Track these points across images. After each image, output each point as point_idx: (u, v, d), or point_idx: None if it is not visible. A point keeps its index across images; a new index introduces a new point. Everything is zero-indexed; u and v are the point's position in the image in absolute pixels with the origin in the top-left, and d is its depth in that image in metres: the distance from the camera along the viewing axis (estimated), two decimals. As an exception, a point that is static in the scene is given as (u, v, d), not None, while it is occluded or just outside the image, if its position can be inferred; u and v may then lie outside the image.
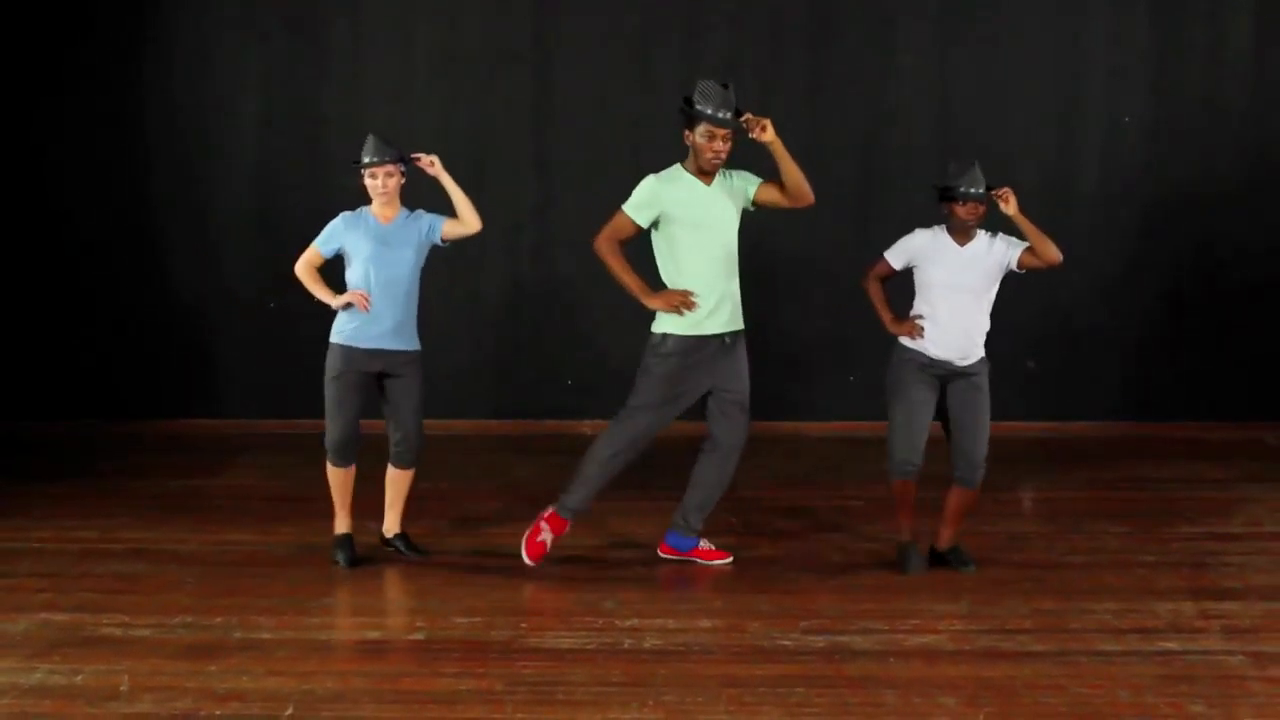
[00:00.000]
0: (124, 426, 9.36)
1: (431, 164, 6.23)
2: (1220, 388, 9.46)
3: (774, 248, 8.69)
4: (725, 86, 5.86)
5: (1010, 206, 5.90)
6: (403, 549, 6.41)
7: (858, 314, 8.83)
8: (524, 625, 5.51)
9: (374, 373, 6.15)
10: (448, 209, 6.22)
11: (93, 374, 9.52)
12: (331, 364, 6.14)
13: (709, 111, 5.83)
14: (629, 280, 5.97)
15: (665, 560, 6.33)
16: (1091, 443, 9.07)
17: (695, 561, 6.28)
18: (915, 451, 6.05)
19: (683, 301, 5.92)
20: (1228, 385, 9.46)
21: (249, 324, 9.31)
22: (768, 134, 5.86)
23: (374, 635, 5.43)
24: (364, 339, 6.09)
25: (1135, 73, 9.34)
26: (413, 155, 6.22)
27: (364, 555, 6.33)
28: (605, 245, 5.99)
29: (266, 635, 5.40)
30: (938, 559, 6.24)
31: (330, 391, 6.14)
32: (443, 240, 6.24)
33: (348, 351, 6.10)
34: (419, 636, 5.41)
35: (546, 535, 6.18)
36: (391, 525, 6.46)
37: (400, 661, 5.15)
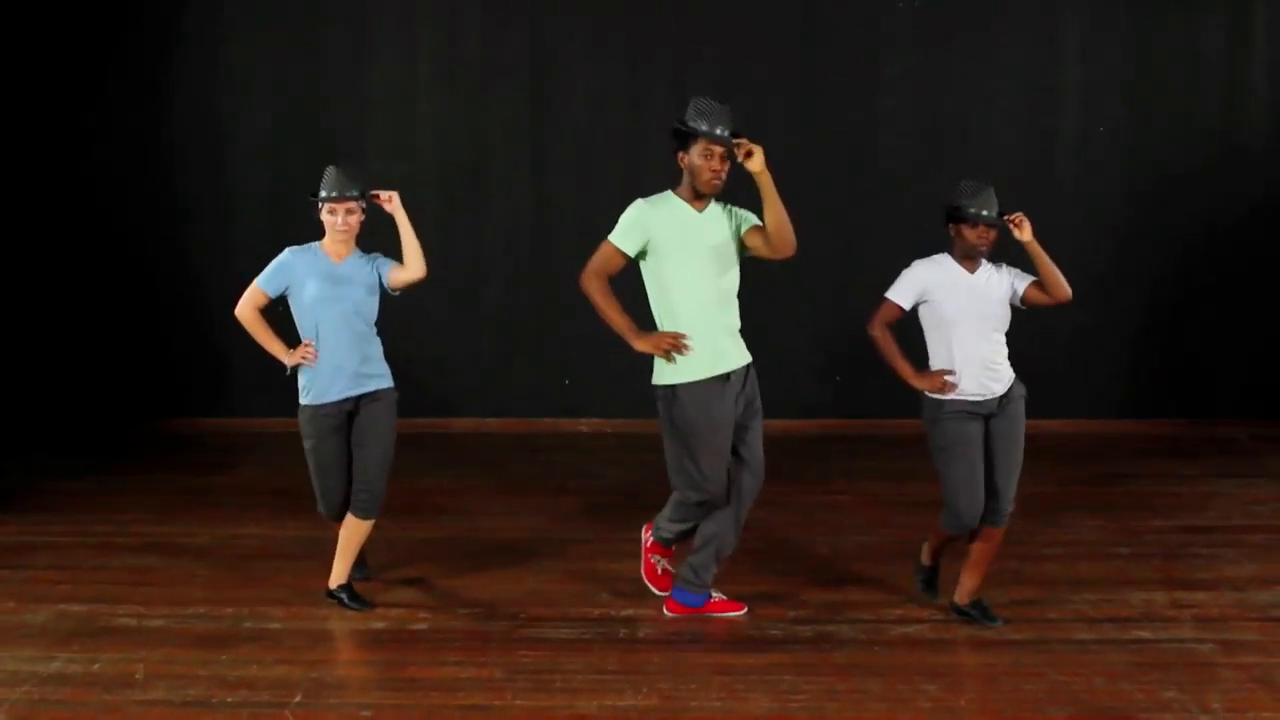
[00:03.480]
0: (138, 426, 9.37)
1: (390, 200, 5.57)
2: (1195, 387, 9.49)
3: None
4: (722, 104, 5.24)
5: (1025, 233, 5.20)
6: (346, 601, 5.62)
7: (844, 317, 8.91)
8: (523, 616, 5.52)
9: (348, 419, 5.55)
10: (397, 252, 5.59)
11: (108, 376, 9.52)
12: (305, 430, 5.53)
13: (705, 128, 5.18)
14: (616, 319, 5.28)
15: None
16: (1068, 440, 9.09)
17: (709, 616, 5.54)
18: (980, 505, 5.29)
19: (673, 345, 5.23)
20: (1202, 384, 9.49)
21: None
22: (754, 162, 5.08)
23: (379, 626, 5.44)
24: (327, 394, 5.49)
25: (1110, 83, 9.36)
26: (373, 192, 5.56)
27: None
28: (593, 281, 5.30)
29: (276, 625, 5.42)
30: (959, 614, 5.51)
31: (311, 459, 5.56)
32: (391, 288, 5.60)
33: (318, 411, 5.51)
34: (422, 627, 5.42)
35: (656, 560, 5.73)
36: (339, 576, 5.68)
37: (404, 651, 5.15)
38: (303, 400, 5.55)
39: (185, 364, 9.54)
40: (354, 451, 5.56)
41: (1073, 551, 6.46)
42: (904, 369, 5.32)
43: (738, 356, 5.38)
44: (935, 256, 5.38)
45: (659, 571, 5.76)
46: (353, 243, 5.58)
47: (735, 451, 5.38)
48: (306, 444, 5.56)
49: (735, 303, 5.43)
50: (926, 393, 5.33)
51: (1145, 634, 5.30)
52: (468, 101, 9.44)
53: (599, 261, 5.33)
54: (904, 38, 9.33)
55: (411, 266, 5.55)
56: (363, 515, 5.60)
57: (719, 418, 5.29)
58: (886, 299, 5.36)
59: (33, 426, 9.24)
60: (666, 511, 5.61)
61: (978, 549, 5.42)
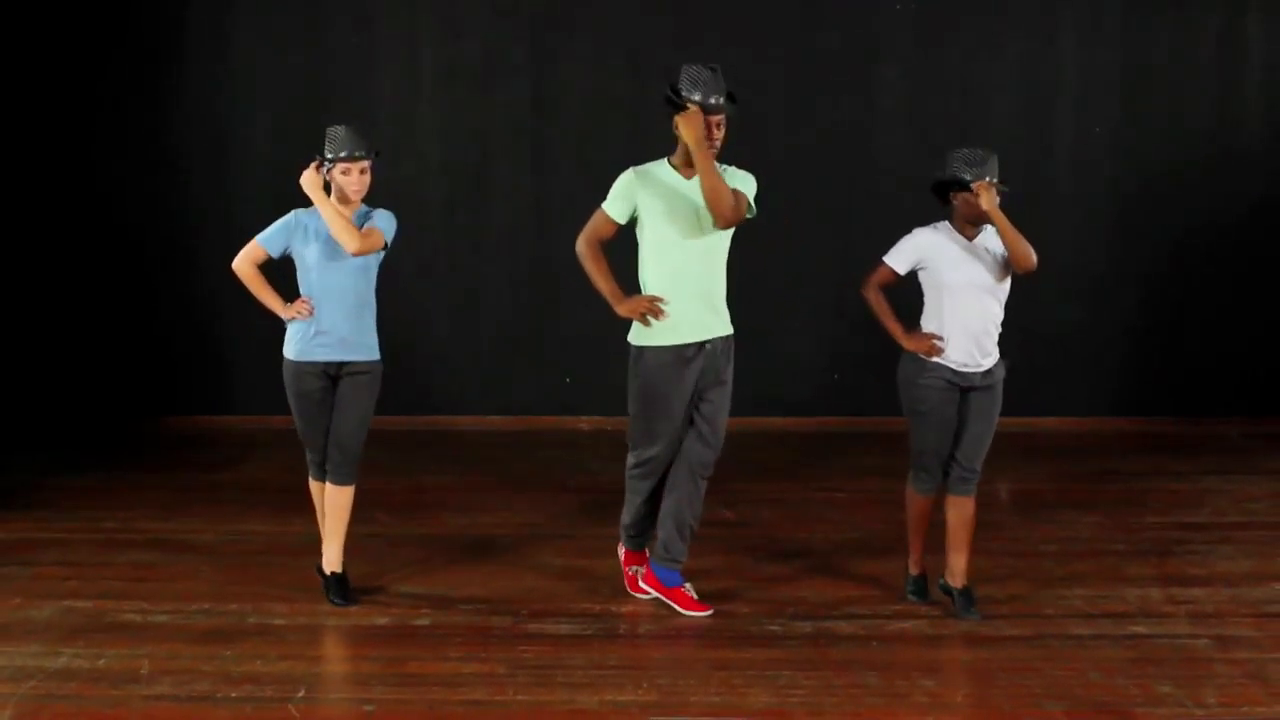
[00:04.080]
0: (143, 422, 9.37)
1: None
2: (1188, 384, 9.49)
3: (761, 249, 8.71)
4: (713, 70, 5.26)
5: (984, 200, 5.18)
6: (332, 596, 5.58)
7: (843, 316, 8.92)
8: (524, 612, 5.53)
9: (331, 382, 5.52)
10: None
11: (112, 374, 9.52)
12: (287, 382, 5.52)
13: (699, 97, 5.22)
14: (603, 285, 5.39)
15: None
16: (1065, 437, 9.10)
17: (671, 606, 5.52)
18: (942, 468, 5.45)
19: (650, 309, 5.30)
20: (1195, 382, 9.48)
21: (261, 323, 9.28)
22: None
23: (382, 621, 5.44)
24: (314, 352, 5.45)
25: (1106, 85, 9.36)
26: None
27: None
28: (584, 246, 5.44)
29: (280, 621, 5.43)
30: (945, 592, 5.57)
31: (294, 411, 5.55)
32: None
33: (299, 367, 5.47)
34: (424, 622, 5.43)
35: (634, 570, 5.74)
36: (332, 560, 5.63)
37: (407, 646, 5.16)
38: (286, 353, 5.52)
39: (189, 362, 9.53)
40: (333, 418, 5.53)
41: (1069, 548, 6.46)
42: (894, 329, 5.40)
43: (715, 327, 5.40)
44: (935, 224, 5.42)
45: (640, 581, 5.74)
46: (360, 203, 5.52)
47: (691, 420, 5.44)
48: (290, 398, 5.54)
49: (720, 272, 5.45)
50: (915, 353, 5.36)
51: (1141, 629, 5.31)
52: (469, 102, 9.44)
53: (591, 228, 5.46)
54: (903, 39, 9.33)
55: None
56: (339, 481, 5.57)
57: (678, 386, 5.36)
58: (882, 261, 5.42)
59: (38, 424, 9.23)
60: (624, 506, 5.70)
61: (954, 523, 5.45)
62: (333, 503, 5.62)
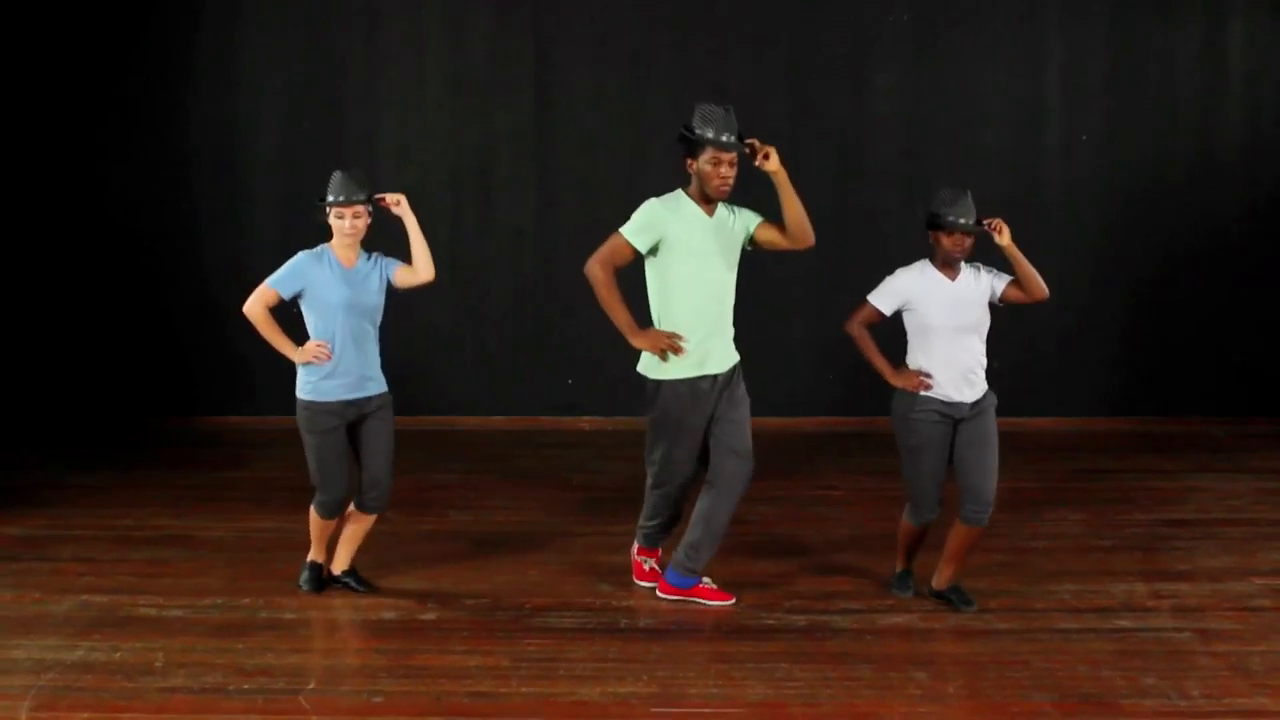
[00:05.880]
0: (157, 422, 9.39)
1: (398, 203, 5.49)
2: (1173, 384, 9.51)
3: (757, 250, 8.75)
4: (726, 110, 5.23)
5: (1004, 237, 5.20)
6: (354, 584, 5.74)
7: (836, 317, 8.91)
8: (528, 606, 5.55)
9: (349, 422, 5.49)
10: (404, 253, 5.51)
11: (128, 375, 9.55)
12: (304, 423, 5.45)
13: (712, 135, 5.17)
14: (618, 314, 5.24)
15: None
16: (1053, 436, 9.11)
17: (696, 601, 5.56)
18: (937, 502, 5.40)
19: (670, 345, 5.24)
20: (1181, 382, 9.51)
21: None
22: (771, 162, 5.14)
23: (389, 615, 5.47)
24: (332, 393, 5.41)
25: (1091, 92, 9.39)
26: (378, 196, 5.48)
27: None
28: (599, 271, 5.24)
29: (290, 615, 5.46)
30: (936, 597, 5.58)
31: (311, 454, 5.49)
32: (397, 287, 5.52)
33: (317, 408, 5.42)
34: (431, 616, 5.45)
35: (645, 561, 5.78)
36: (341, 563, 5.78)
37: (414, 640, 5.19)
38: (302, 395, 5.45)
39: (200, 363, 9.56)
40: (361, 456, 5.54)
41: (1056, 544, 6.49)
42: (882, 366, 5.35)
43: (726, 359, 5.41)
44: (917, 264, 5.37)
45: (647, 569, 5.77)
46: (359, 245, 5.51)
47: (720, 440, 5.39)
48: (309, 439, 5.48)
49: (731, 306, 5.43)
50: (902, 389, 5.33)
51: (1126, 623, 5.34)
52: (474, 108, 9.47)
53: (608, 251, 5.27)
54: (898, 47, 9.35)
55: (421, 270, 5.50)
56: (374, 511, 5.65)
57: (693, 418, 5.34)
58: (868, 301, 5.38)
59: (53, 424, 9.27)
60: (643, 511, 5.69)
61: (956, 543, 5.43)
62: (360, 527, 5.70)
